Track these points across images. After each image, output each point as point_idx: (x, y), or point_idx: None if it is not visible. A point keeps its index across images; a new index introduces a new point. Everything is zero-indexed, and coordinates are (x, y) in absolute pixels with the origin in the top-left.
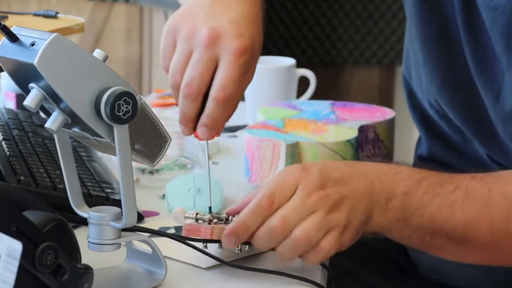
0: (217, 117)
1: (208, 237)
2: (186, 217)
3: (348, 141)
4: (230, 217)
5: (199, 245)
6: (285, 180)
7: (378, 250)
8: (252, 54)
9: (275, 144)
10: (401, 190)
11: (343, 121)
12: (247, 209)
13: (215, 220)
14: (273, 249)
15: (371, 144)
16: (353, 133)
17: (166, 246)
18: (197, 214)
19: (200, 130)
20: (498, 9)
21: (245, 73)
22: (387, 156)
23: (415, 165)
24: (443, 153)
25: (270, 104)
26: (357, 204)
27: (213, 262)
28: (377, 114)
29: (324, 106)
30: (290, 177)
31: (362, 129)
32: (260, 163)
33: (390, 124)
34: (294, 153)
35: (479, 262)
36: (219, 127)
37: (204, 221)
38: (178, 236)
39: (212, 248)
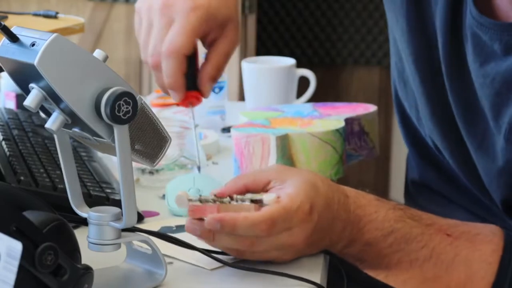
0: (173, 73)
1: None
2: (189, 200)
3: (337, 130)
4: (235, 196)
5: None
6: (292, 214)
7: None
8: (206, 12)
9: (264, 138)
10: (365, 240)
11: (327, 116)
12: (244, 220)
13: (218, 202)
14: None
15: (357, 137)
16: (340, 124)
17: (171, 246)
18: (200, 196)
19: (171, 94)
20: (487, 78)
21: (199, 29)
22: (373, 149)
23: (408, 192)
24: (436, 182)
25: (252, 109)
26: (314, 251)
27: (217, 263)
28: (359, 109)
29: (306, 107)
30: (296, 215)
31: (347, 122)
32: (250, 159)
33: (373, 117)
34: (284, 146)
35: None
36: (181, 85)
37: (208, 202)
38: (177, 240)
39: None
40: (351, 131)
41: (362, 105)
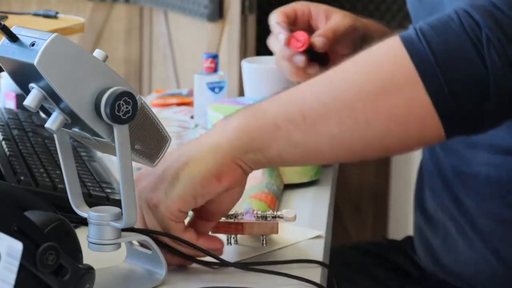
0: (274, 20)
1: (240, 233)
2: None
3: None
4: (255, 211)
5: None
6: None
7: (376, 255)
8: (305, 2)
9: None
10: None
11: None
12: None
13: (240, 216)
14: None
15: None
16: None
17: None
18: None
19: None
20: None
21: (298, 5)
22: None
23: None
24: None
25: (218, 102)
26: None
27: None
28: None
29: None
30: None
31: None
32: None
33: None
34: None
35: (379, 136)
36: (279, 29)
37: (229, 217)
38: (179, 239)
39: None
40: None
41: None
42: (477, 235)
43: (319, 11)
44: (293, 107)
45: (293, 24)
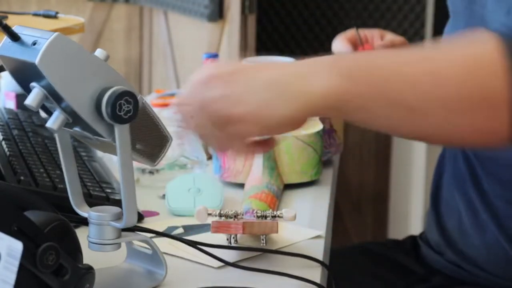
0: (340, 40)
1: (240, 232)
2: (209, 215)
3: (318, 132)
4: (255, 211)
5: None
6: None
7: (379, 255)
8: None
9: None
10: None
11: None
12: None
13: (240, 216)
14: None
15: (327, 135)
16: (320, 125)
17: (176, 245)
18: (220, 211)
19: None
20: None
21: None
22: (340, 145)
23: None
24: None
25: None
26: (258, 73)
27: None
28: None
29: None
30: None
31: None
32: (233, 159)
33: None
34: None
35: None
36: (347, 47)
37: (229, 217)
38: (177, 238)
39: (215, 248)
40: (323, 129)
41: None
42: (492, 218)
43: (374, 33)
44: (394, 91)
45: (354, 48)
